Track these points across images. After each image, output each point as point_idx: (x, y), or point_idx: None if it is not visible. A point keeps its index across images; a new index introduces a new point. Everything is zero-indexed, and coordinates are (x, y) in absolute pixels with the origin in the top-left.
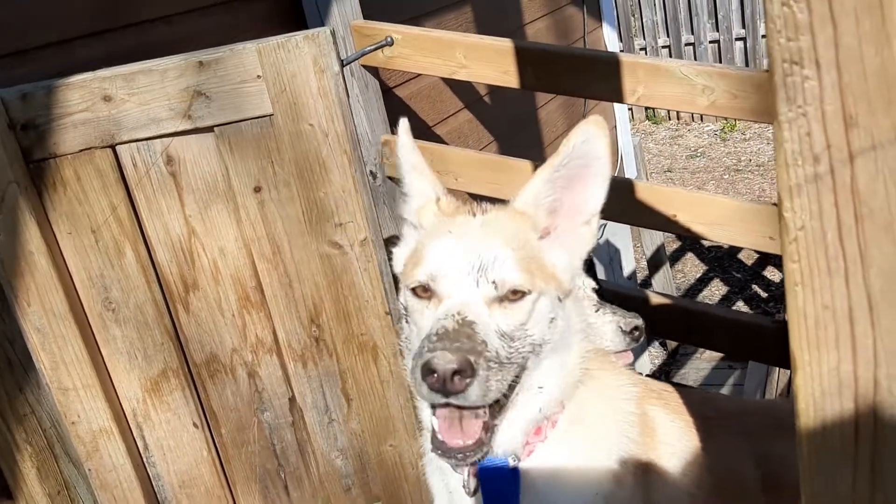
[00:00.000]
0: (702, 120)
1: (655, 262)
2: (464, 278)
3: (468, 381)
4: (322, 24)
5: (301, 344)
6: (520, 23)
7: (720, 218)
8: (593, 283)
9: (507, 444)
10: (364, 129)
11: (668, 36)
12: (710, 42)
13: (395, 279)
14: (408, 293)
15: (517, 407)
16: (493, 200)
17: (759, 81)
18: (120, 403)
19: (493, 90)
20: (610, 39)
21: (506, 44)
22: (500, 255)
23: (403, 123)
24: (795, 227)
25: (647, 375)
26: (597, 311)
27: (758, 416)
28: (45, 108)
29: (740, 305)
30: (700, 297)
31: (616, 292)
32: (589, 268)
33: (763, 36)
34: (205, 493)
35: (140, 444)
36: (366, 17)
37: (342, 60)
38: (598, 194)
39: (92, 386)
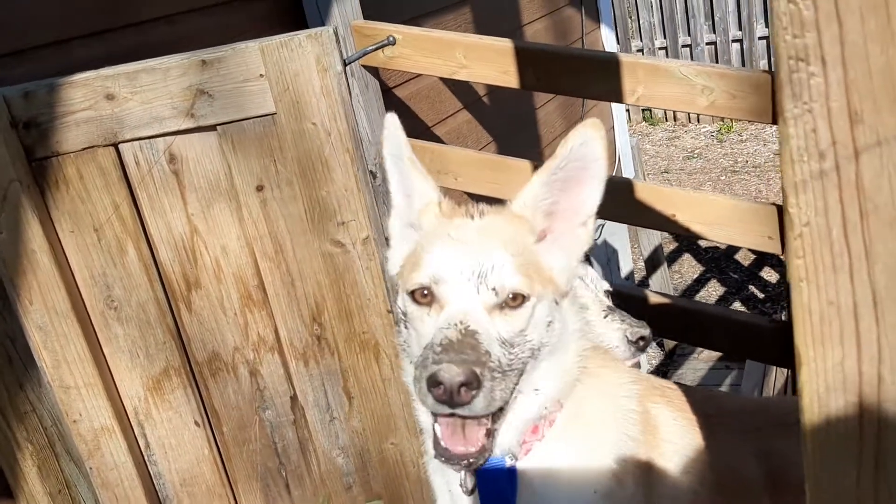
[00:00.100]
0: (698, 121)
1: (653, 263)
2: (464, 284)
3: (474, 392)
4: (322, 24)
5: (303, 342)
6: (518, 24)
7: (719, 218)
8: (606, 286)
9: (503, 443)
10: (364, 129)
11: (664, 37)
12: (707, 44)
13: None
14: (406, 298)
15: (514, 408)
16: (492, 200)
17: (757, 82)
18: (121, 402)
19: (492, 91)
20: (608, 40)
21: (506, 44)
22: (500, 260)
23: (392, 118)
24: (800, 223)
25: None
26: (605, 317)
27: (759, 413)
28: (48, 107)
29: (737, 306)
30: (697, 298)
31: (616, 291)
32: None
33: (760, 38)
34: (206, 492)
35: (141, 442)
36: (366, 17)
37: (344, 60)
38: (594, 196)
39: (94, 384)
